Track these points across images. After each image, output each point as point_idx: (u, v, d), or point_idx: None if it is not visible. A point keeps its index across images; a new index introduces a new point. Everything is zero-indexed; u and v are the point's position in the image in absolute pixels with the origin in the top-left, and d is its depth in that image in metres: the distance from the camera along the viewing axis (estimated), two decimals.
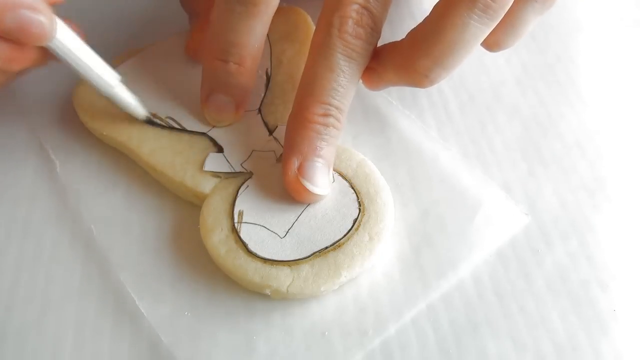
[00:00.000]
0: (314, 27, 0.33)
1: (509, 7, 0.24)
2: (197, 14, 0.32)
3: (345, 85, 0.26)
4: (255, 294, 0.25)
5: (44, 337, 0.25)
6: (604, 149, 0.30)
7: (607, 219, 0.28)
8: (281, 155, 0.28)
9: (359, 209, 0.26)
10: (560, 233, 0.27)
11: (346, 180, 0.27)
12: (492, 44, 0.27)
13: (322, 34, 0.26)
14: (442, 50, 0.24)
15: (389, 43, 0.27)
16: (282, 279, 0.25)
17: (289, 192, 0.26)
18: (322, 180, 0.26)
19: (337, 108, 0.26)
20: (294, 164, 0.26)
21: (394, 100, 0.31)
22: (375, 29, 0.26)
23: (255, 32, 0.28)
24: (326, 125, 0.26)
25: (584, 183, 0.29)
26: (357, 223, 0.26)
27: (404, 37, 0.26)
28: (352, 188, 0.27)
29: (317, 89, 0.26)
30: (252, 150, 0.28)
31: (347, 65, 0.25)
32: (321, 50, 0.26)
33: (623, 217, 0.28)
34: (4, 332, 0.25)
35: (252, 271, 0.25)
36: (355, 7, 0.25)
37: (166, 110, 0.30)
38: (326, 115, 0.26)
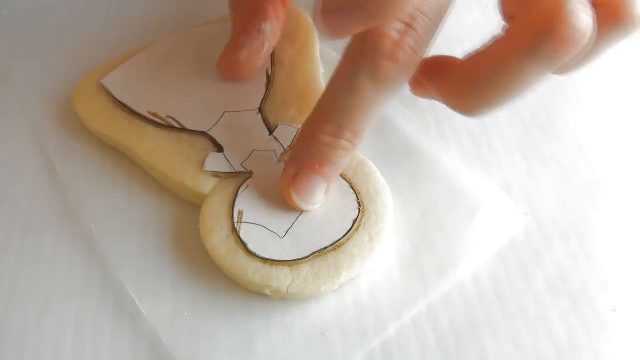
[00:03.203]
0: (314, 27, 0.33)
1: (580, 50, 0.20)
2: (240, 16, 0.30)
3: (367, 110, 0.23)
4: (255, 294, 0.25)
5: (44, 337, 0.25)
6: (603, 149, 0.30)
7: (607, 219, 0.28)
8: (282, 154, 0.28)
9: (359, 209, 0.26)
10: (560, 233, 0.27)
11: (346, 180, 0.27)
12: (562, 72, 0.23)
13: (352, 49, 0.23)
14: (496, 94, 0.22)
15: (442, 58, 0.25)
16: (282, 279, 0.25)
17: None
18: (311, 197, 0.25)
19: (352, 131, 0.24)
20: (290, 172, 0.26)
21: (394, 100, 0.31)
22: (417, 52, 0.22)
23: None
24: (333, 147, 0.24)
25: (584, 183, 0.29)
26: (357, 223, 0.26)
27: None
28: (352, 188, 0.27)
29: (333, 109, 0.24)
30: (252, 150, 0.28)
31: (375, 89, 0.23)
32: (347, 68, 0.23)
33: (623, 217, 0.28)
34: (4, 332, 0.25)
35: (252, 271, 0.25)
36: (397, 24, 0.21)
37: (166, 110, 0.30)
38: (337, 136, 0.24)
